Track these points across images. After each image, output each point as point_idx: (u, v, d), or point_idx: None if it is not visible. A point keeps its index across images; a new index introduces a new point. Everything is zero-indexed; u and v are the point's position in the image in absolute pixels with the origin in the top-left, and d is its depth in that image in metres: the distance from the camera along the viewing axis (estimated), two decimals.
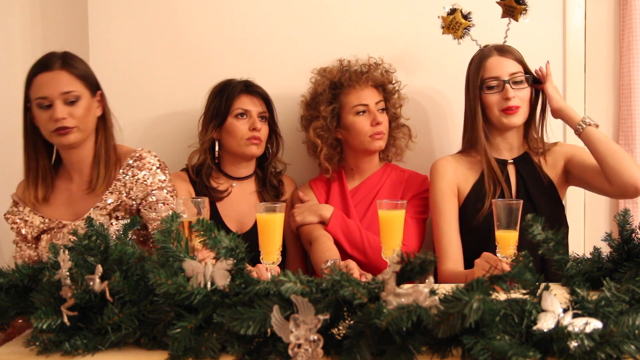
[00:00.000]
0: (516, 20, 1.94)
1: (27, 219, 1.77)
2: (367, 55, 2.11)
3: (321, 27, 2.28)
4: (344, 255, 1.90)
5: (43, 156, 1.76)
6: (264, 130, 2.03)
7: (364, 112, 2.01)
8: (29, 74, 1.70)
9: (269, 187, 2.09)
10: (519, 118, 1.86)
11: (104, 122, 1.78)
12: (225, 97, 2.00)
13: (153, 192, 1.74)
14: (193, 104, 2.18)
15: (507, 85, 1.83)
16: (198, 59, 2.28)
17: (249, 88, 2.03)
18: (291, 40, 2.28)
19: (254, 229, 1.77)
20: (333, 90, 2.05)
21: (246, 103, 2.01)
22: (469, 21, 1.94)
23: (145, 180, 1.74)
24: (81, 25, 2.28)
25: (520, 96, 1.85)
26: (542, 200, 1.88)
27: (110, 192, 1.74)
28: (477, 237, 1.85)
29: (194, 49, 2.28)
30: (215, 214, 2.02)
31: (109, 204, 1.72)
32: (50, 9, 2.38)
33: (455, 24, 1.94)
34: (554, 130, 2.05)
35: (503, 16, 1.95)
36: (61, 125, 1.66)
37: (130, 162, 1.76)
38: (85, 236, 1.13)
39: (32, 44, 2.37)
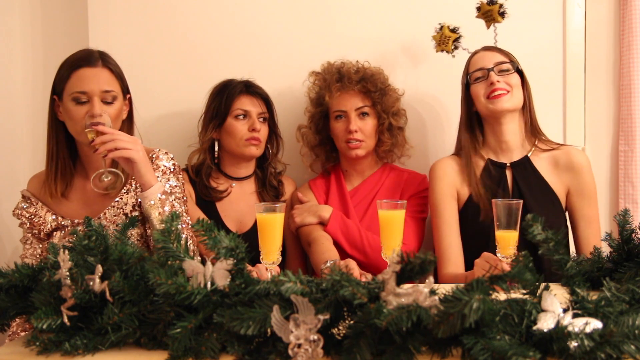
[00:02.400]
0: (499, 21, 1.98)
1: (40, 214, 1.75)
2: (363, 57, 2.11)
3: (321, 27, 2.29)
4: (344, 255, 1.90)
5: (64, 151, 1.74)
6: (263, 130, 2.03)
7: (340, 117, 2.02)
8: (66, 66, 1.68)
9: (269, 187, 2.09)
10: (506, 103, 1.81)
11: (128, 125, 1.78)
12: (225, 97, 2.00)
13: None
14: (193, 104, 2.19)
15: (492, 72, 1.82)
16: (198, 59, 2.28)
17: (249, 88, 2.03)
18: (291, 40, 2.29)
19: (253, 229, 1.77)
20: (322, 93, 2.06)
21: (246, 104, 2.01)
22: (456, 33, 1.99)
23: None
24: (81, 25, 2.28)
25: (507, 81, 1.83)
26: (537, 206, 1.80)
27: (126, 192, 1.73)
28: (476, 241, 1.83)
29: (194, 49, 2.29)
30: (214, 214, 2.02)
31: (126, 205, 1.72)
32: (50, 9, 2.38)
33: (445, 38, 1.99)
34: (551, 131, 2.05)
35: (488, 26, 2.01)
36: (97, 121, 1.66)
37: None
38: (85, 236, 1.13)
39: (32, 44, 2.37)
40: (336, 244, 1.93)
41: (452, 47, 2.00)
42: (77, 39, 2.28)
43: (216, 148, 2.06)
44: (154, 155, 1.75)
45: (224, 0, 2.30)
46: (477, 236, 1.84)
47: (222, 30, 2.29)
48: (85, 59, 1.69)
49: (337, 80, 2.03)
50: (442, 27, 2.02)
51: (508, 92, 1.81)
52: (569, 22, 2.28)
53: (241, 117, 2.00)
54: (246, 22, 2.29)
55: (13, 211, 1.78)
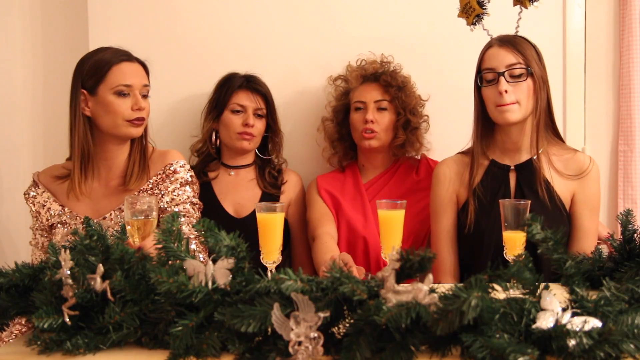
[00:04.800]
0: (525, 7, 1.84)
1: (44, 204, 1.76)
2: (376, 53, 2.14)
3: (328, 23, 2.29)
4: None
5: (89, 148, 1.73)
6: (258, 126, 2.06)
7: (360, 108, 2.06)
8: (103, 61, 1.69)
9: (268, 176, 2.12)
10: (513, 114, 1.71)
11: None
12: (225, 90, 2.06)
13: (178, 205, 1.75)
14: (192, 103, 2.22)
15: (502, 78, 1.70)
16: (198, 58, 2.28)
17: (249, 84, 2.07)
18: (297, 35, 2.29)
19: (253, 215, 1.79)
20: (346, 87, 2.13)
21: (243, 98, 2.05)
22: (483, 9, 1.87)
23: (174, 193, 1.76)
24: (81, 25, 2.28)
25: (516, 91, 1.71)
26: (541, 211, 1.68)
27: None
28: (471, 244, 1.79)
29: (194, 48, 2.29)
30: (211, 195, 2.06)
31: None
32: (50, 9, 2.38)
33: (469, 8, 1.87)
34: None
35: (515, 4, 1.88)
36: (141, 115, 1.70)
37: (163, 174, 1.77)
38: (87, 235, 1.14)
39: (32, 44, 2.38)
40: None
41: (473, 21, 1.89)
42: (77, 39, 2.29)
43: (213, 138, 2.11)
44: (171, 168, 1.78)
45: None
46: (471, 239, 1.79)
47: (223, 28, 2.28)
48: (124, 53, 1.73)
49: (360, 72, 2.10)
50: None
51: (516, 102, 1.71)
52: (569, 22, 2.28)
53: (237, 111, 2.05)
54: (249, 19, 2.28)
55: (24, 193, 1.80)
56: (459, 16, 1.89)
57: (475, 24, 1.86)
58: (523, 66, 1.72)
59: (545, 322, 0.90)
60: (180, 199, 1.75)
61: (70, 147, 1.74)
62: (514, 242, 1.42)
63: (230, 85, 2.05)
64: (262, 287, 0.95)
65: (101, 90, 1.68)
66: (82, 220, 1.70)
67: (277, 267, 1.39)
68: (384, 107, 2.05)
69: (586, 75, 2.32)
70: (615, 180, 2.32)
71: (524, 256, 0.99)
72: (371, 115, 2.02)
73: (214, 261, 1.01)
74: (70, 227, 1.73)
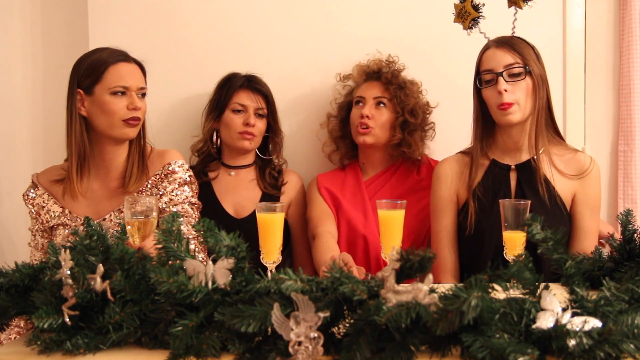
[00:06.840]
0: (520, 7, 1.85)
1: (43, 205, 1.76)
2: (378, 52, 2.16)
3: (329, 23, 2.29)
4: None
5: (89, 151, 1.73)
6: (259, 125, 2.06)
7: (359, 102, 2.08)
8: (99, 61, 1.69)
9: (268, 176, 2.12)
10: (514, 115, 1.72)
11: (143, 124, 1.80)
12: (226, 90, 2.07)
13: (176, 205, 1.75)
14: (192, 103, 2.22)
15: (500, 78, 1.71)
16: (199, 57, 2.28)
17: (250, 83, 2.07)
18: (298, 36, 2.29)
19: (253, 215, 1.79)
20: (352, 86, 2.16)
21: (244, 98, 2.05)
22: (478, 12, 1.87)
23: (172, 193, 1.76)
24: (81, 25, 2.29)
25: (515, 90, 1.71)
26: (542, 210, 1.70)
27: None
28: (472, 244, 1.79)
29: (194, 48, 2.29)
30: (211, 195, 2.06)
31: None
32: (50, 8, 2.39)
33: (465, 13, 1.88)
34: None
35: (509, 5, 1.89)
36: (137, 115, 1.70)
37: (162, 173, 1.78)
38: (87, 235, 1.14)
39: (32, 44, 2.38)
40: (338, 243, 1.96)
41: (469, 25, 1.89)
42: (77, 39, 2.29)
43: (214, 138, 2.12)
44: (169, 168, 1.78)
45: None
46: (471, 239, 1.78)
47: (224, 28, 2.28)
48: (120, 54, 1.73)
49: (364, 69, 2.13)
50: None
51: (515, 103, 1.71)
52: (569, 22, 2.28)
53: (238, 111, 2.05)
54: (249, 19, 2.28)
55: (23, 194, 1.80)
56: (455, 21, 1.89)
57: (471, 28, 1.87)
58: (521, 65, 1.73)
59: (545, 322, 0.90)
60: (178, 199, 1.75)
61: (67, 147, 1.74)
62: (514, 242, 1.42)
63: (231, 85, 2.06)
64: (262, 287, 0.96)
65: (97, 91, 1.68)
66: (82, 221, 1.71)
67: (277, 267, 1.39)
68: (382, 103, 2.05)
69: (586, 75, 2.32)
70: (615, 180, 2.32)
71: (524, 256, 0.99)
72: (367, 110, 2.02)
73: (214, 261, 1.01)
74: (71, 229, 1.73)
